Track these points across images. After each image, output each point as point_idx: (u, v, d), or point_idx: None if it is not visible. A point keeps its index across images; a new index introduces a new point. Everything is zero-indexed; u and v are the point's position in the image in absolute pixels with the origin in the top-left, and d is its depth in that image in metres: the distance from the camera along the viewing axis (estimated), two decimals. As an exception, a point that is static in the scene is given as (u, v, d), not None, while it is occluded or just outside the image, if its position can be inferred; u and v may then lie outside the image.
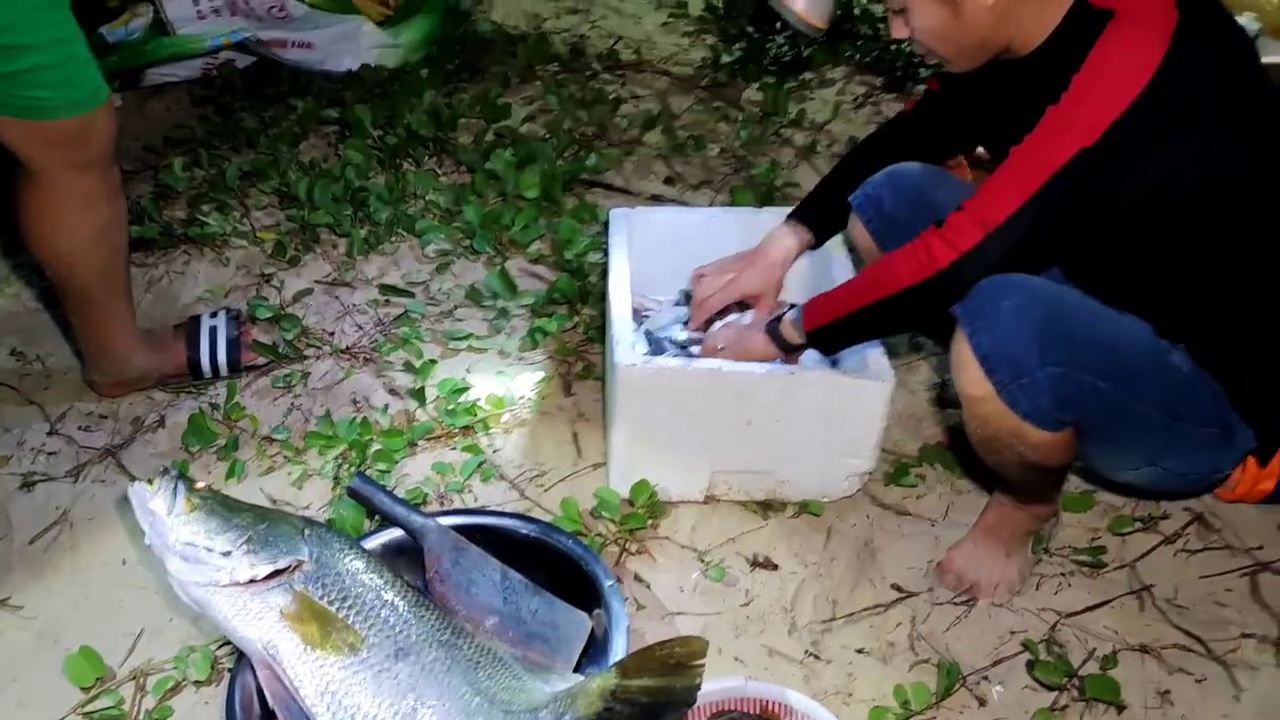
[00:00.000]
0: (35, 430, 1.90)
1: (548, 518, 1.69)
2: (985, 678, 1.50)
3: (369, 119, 2.88)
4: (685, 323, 1.95)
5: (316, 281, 2.30)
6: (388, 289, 2.25)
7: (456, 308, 2.23)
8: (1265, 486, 1.67)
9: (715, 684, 1.31)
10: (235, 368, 2.01)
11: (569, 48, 3.61)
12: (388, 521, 1.51)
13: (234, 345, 2.00)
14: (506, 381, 1.99)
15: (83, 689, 1.45)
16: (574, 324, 2.17)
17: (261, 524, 1.33)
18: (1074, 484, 1.82)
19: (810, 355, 1.74)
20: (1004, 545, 1.63)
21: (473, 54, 3.47)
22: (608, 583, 1.42)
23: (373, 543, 1.49)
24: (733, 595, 1.62)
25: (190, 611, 1.33)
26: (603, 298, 2.12)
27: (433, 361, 2.04)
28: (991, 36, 1.45)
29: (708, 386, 1.64)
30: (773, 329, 1.66)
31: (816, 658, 1.53)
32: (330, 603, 1.29)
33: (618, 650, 1.33)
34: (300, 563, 1.30)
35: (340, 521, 1.66)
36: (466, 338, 2.12)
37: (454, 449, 1.86)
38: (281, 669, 1.23)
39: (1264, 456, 1.62)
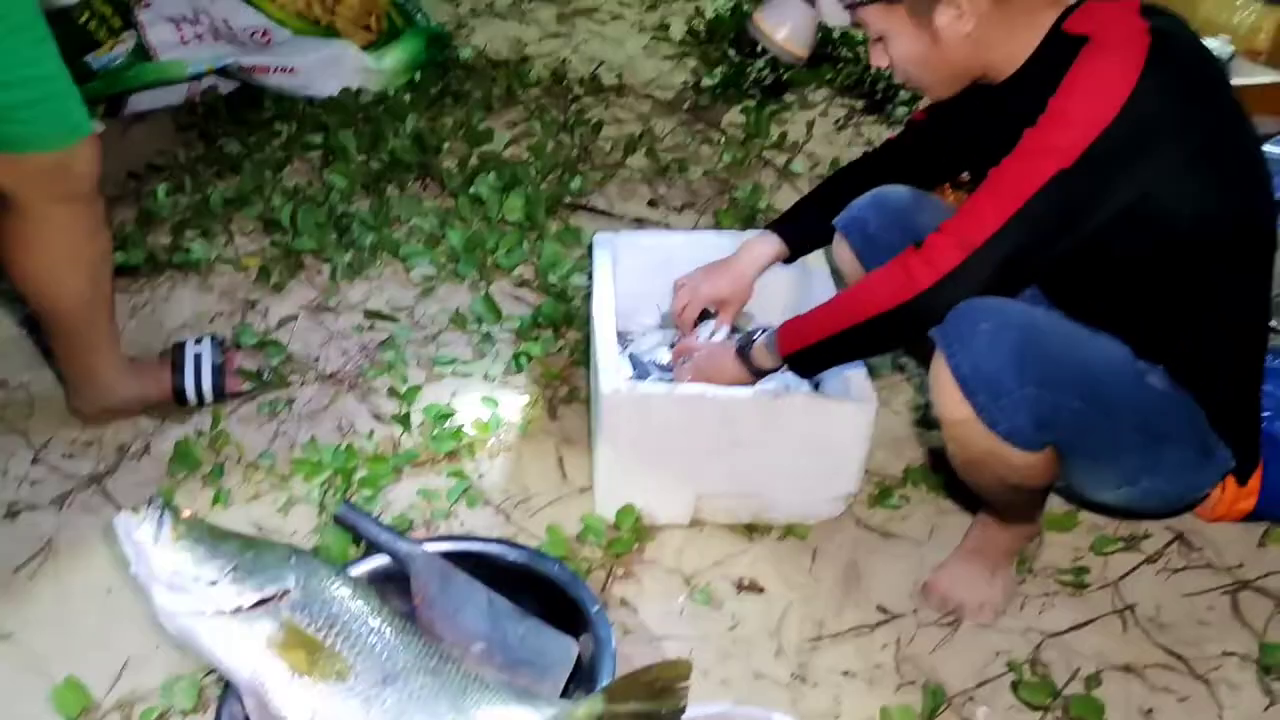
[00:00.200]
0: (19, 458, 1.89)
1: (534, 543, 1.69)
2: (971, 699, 1.51)
3: (353, 144, 2.89)
4: (670, 345, 1.96)
5: (301, 307, 2.30)
6: (372, 314, 2.26)
7: (441, 332, 2.24)
8: (1244, 506, 1.68)
9: (702, 708, 1.32)
10: (220, 394, 2.00)
11: (551, 72, 3.63)
12: (374, 548, 1.51)
13: (219, 372, 2.00)
14: (492, 406, 2.00)
15: (68, 719, 1.44)
16: (559, 348, 2.18)
17: (247, 552, 1.32)
18: (1057, 504, 1.83)
19: (784, 377, 1.76)
20: (988, 566, 1.64)
21: (456, 78, 3.48)
22: (594, 608, 1.42)
23: (359, 570, 1.49)
24: (719, 618, 1.62)
25: (176, 641, 1.31)
26: (587, 321, 2.13)
27: (417, 387, 2.04)
28: (969, 63, 1.48)
29: (692, 410, 1.65)
30: (744, 352, 1.65)
31: (803, 680, 1.53)
32: (317, 630, 1.29)
33: (604, 675, 1.33)
34: (286, 591, 1.30)
35: (326, 549, 1.66)
36: (451, 362, 2.12)
37: (439, 474, 1.86)
38: (269, 697, 1.23)
39: (1242, 476, 1.63)
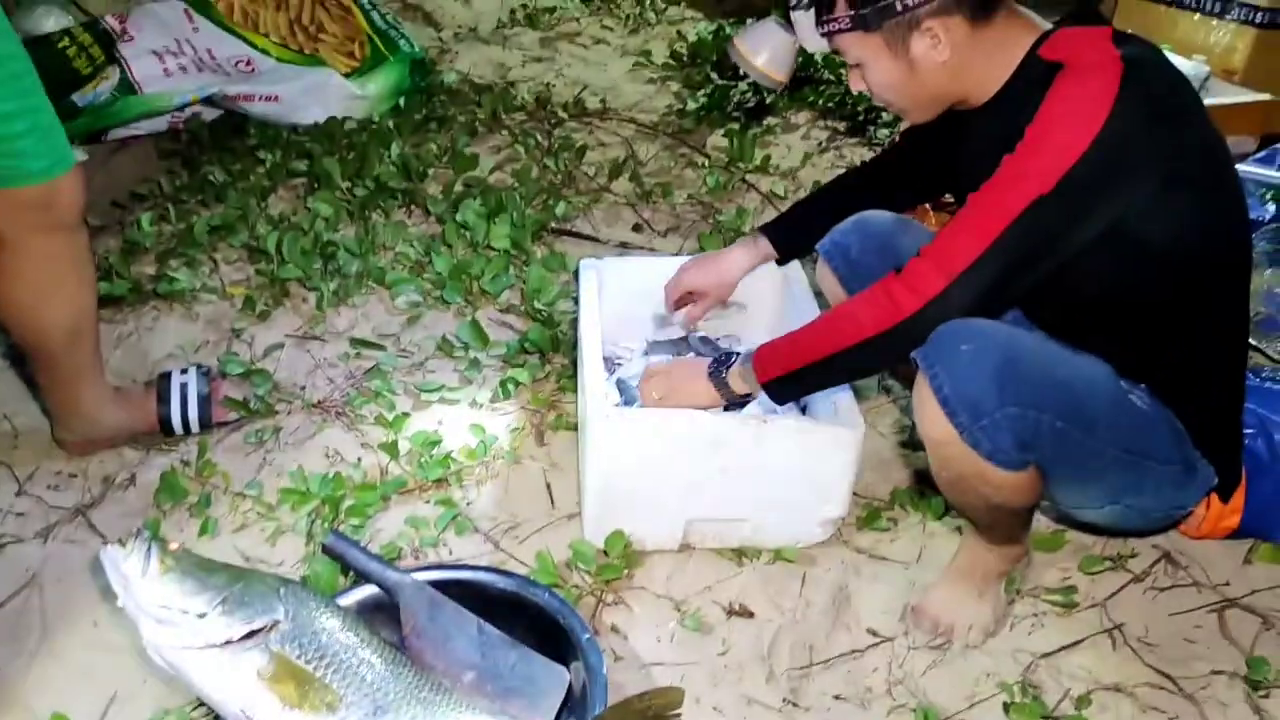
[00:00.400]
0: (3, 491, 1.88)
1: (523, 570, 1.69)
2: (962, 721, 1.52)
3: (337, 171, 2.89)
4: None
5: (287, 335, 2.30)
6: (358, 342, 2.26)
7: (428, 359, 2.23)
8: (1229, 523, 1.70)
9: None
10: (206, 424, 2.00)
11: (534, 97, 3.65)
12: (363, 578, 1.50)
13: (205, 401, 1.99)
14: (479, 433, 1.99)
15: (54, 756, 1.43)
16: (546, 374, 2.18)
17: (236, 584, 1.32)
18: (1044, 524, 1.84)
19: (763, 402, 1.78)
20: (976, 587, 1.65)
21: (439, 104, 3.50)
22: (585, 636, 1.42)
23: (348, 600, 1.48)
24: (710, 644, 1.62)
25: (165, 674, 1.31)
26: (574, 347, 2.13)
27: (405, 414, 2.04)
28: (945, 90, 1.51)
29: (681, 436, 1.66)
30: (718, 377, 1.64)
31: (795, 705, 1.53)
32: (307, 662, 1.29)
33: (596, 703, 1.33)
34: (276, 622, 1.30)
35: (315, 579, 1.65)
36: (438, 389, 2.12)
37: (428, 502, 1.85)
38: (259, 732, 1.23)
39: (1225, 493, 1.64)
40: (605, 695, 1.34)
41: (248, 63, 3.29)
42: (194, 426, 1.99)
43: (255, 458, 1.96)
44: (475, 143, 3.24)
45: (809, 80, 3.69)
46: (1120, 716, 1.52)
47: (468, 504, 1.86)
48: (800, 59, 1.89)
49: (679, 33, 4.51)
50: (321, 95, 3.25)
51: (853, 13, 1.46)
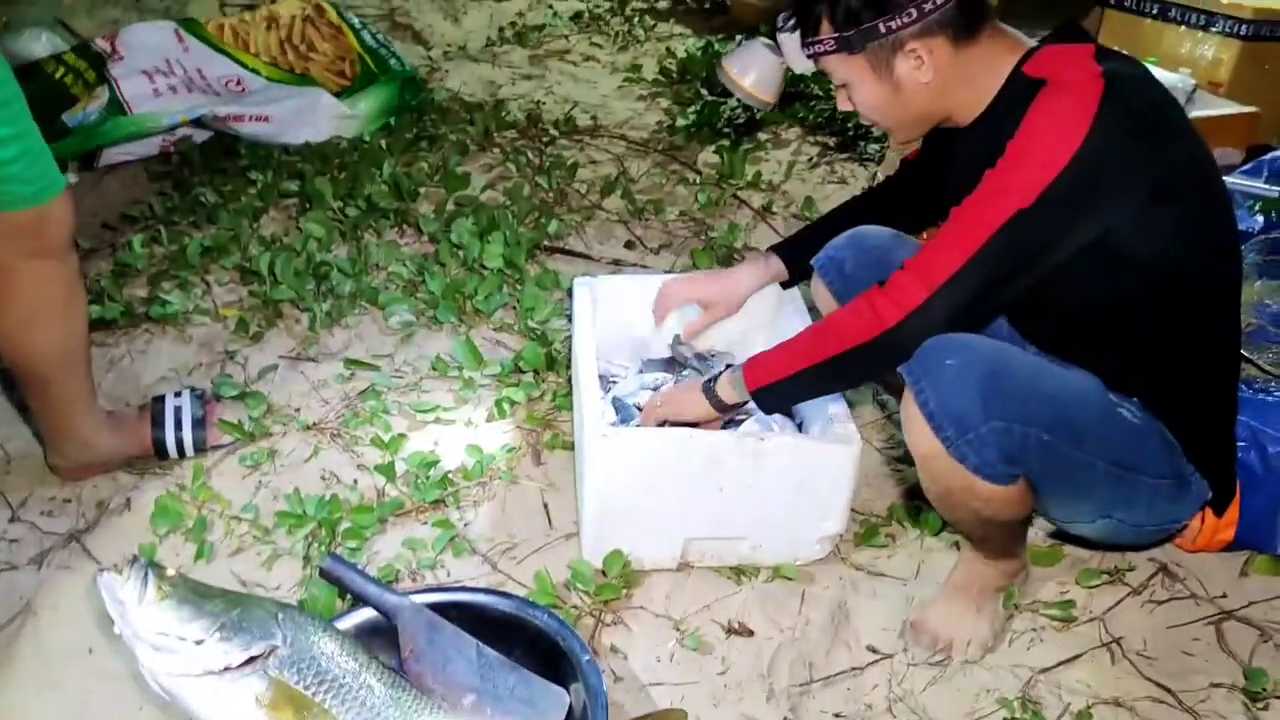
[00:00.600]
0: (-4, 517, 1.87)
1: (522, 591, 1.69)
2: (963, 738, 1.51)
3: (329, 191, 2.89)
4: (655, 389, 1.96)
5: (281, 357, 2.29)
6: (353, 363, 2.25)
7: (422, 379, 2.23)
8: (1224, 536, 1.70)
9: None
10: (201, 447, 1.99)
11: (525, 114, 3.66)
12: (361, 601, 1.49)
13: (199, 424, 1.99)
14: (475, 453, 1.99)
15: (51, 785, 1.42)
16: (541, 392, 2.18)
17: (234, 610, 1.31)
18: (1041, 537, 1.85)
19: (768, 418, 1.78)
20: (974, 602, 1.65)
21: (431, 122, 3.50)
22: (584, 657, 1.41)
23: (346, 623, 1.47)
24: (709, 663, 1.62)
25: (162, 701, 1.30)
26: (569, 365, 2.13)
27: (401, 435, 2.03)
28: (930, 109, 1.53)
29: (678, 454, 1.66)
30: (709, 389, 1.67)
31: (795, 724, 1.53)
32: (306, 687, 1.28)
33: (598, 726, 1.33)
34: (274, 648, 1.29)
35: (312, 602, 1.64)
36: (434, 409, 2.12)
37: (425, 524, 1.85)
38: (258, 759, 1.22)
39: (1219, 507, 1.65)
40: (606, 717, 1.33)
41: (238, 82, 3.30)
42: (188, 450, 1.98)
43: (251, 481, 1.95)
44: (467, 161, 3.25)
45: (799, 96, 3.71)
46: (1121, 731, 1.53)
47: (465, 525, 1.86)
48: (789, 75, 1.91)
49: (668, 49, 4.54)
50: (312, 115, 3.26)
51: (837, 35, 1.48)
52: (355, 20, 3.68)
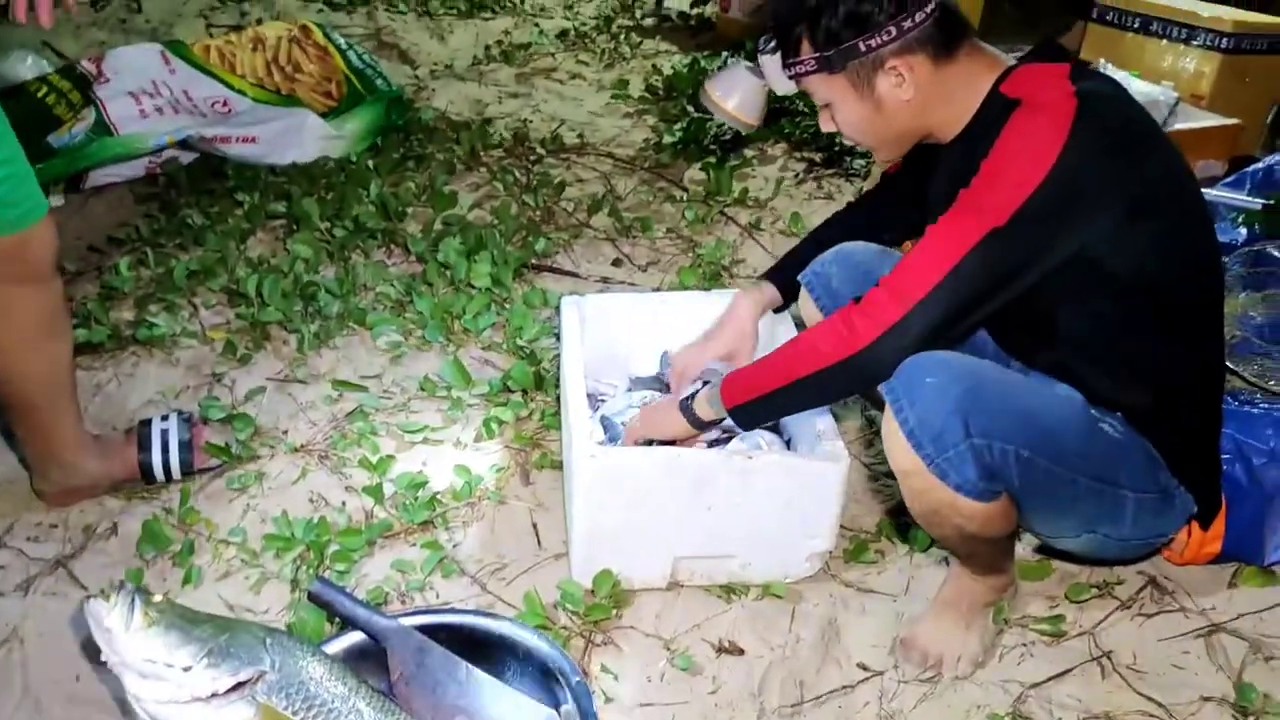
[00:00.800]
0: (-18, 543, 1.86)
1: (511, 612, 1.68)
2: (954, 754, 1.51)
3: (316, 212, 2.89)
4: (643, 406, 1.96)
5: (268, 379, 2.28)
6: (341, 384, 2.25)
7: (411, 399, 2.23)
8: (1211, 549, 1.71)
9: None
10: (188, 470, 1.98)
11: (512, 133, 3.67)
12: (349, 624, 1.49)
13: (186, 448, 1.98)
14: (464, 474, 1.98)
15: (38, 815, 1.41)
16: (529, 412, 2.17)
17: (222, 635, 1.31)
18: (1029, 552, 1.85)
19: (755, 436, 1.78)
20: (964, 618, 1.65)
21: (418, 142, 3.51)
22: (575, 678, 1.41)
23: (335, 647, 1.47)
24: (700, 683, 1.61)
25: (150, 729, 1.29)
26: (557, 384, 2.13)
27: (389, 457, 2.03)
28: (912, 127, 1.54)
29: (666, 474, 1.66)
30: (686, 407, 1.67)
31: (786, 742, 1.53)
32: (294, 712, 1.27)
33: (588, 747, 1.32)
34: (263, 673, 1.28)
35: (301, 626, 1.64)
36: (422, 430, 2.11)
37: (413, 545, 1.84)
38: (247, 786, 1.21)
39: (1205, 520, 1.66)
40: (597, 739, 1.33)
41: (224, 103, 3.30)
42: (175, 473, 1.97)
43: (238, 504, 1.95)
44: (454, 180, 3.25)
45: (784, 112, 3.72)
46: (1112, 746, 1.53)
47: (454, 546, 1.85)
48: (772, 97, 1.92)
49: (654, 66, 4.56)
50: (299, 136, 3.26)
51: (817, 55, 1.49)
52: (342, 41, 3.69)
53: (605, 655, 1.65)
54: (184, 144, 3.13)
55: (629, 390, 2.04)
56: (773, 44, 1.61)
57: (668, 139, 3.63)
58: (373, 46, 4.65)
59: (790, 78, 1.57)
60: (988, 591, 1.65)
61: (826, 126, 1.59)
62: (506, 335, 2.43)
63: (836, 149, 3.53)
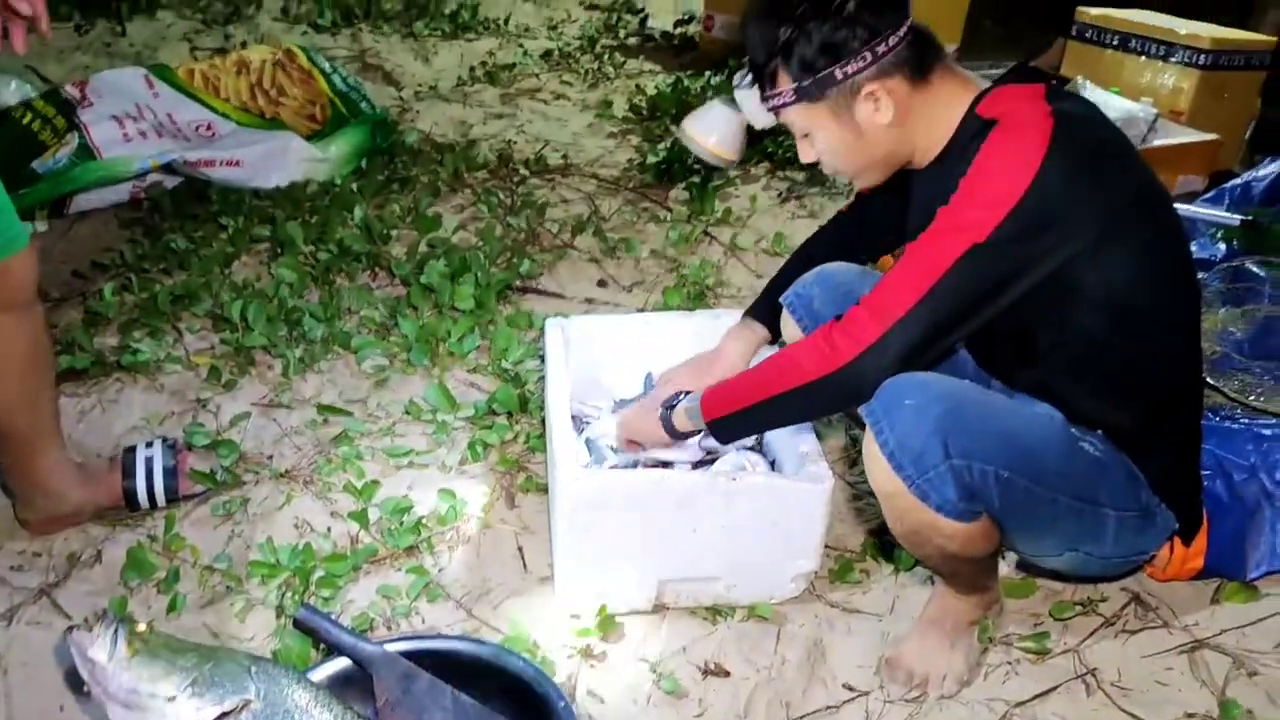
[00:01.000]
0: (-35, 573, 1.85)
1: (497, 636, 1.68)
2: (940, 774, 1.52)
3: (301, 236, 2.89)
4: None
5: (253, 404, 2.28)
6: (326, 408, 2.24)
7: (396, 423, 2.23)
8: (1194, 565, 1.72)
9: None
10: (173, 497, 1.98)
11: (496, 154, 3.68)
12: (335, 651, 1.49)
13: (171, 474, 1.97)
14: (449, 498, 1.98)
15: None
16: (514, 435, 2.18)
17: (206, 664, 1.31)
18: (1014, 570, 1.85)
19: (740, 457, 1.79)
20: (949, 636, 1.65)
21: (402, 164, 3.52)
22: (561, 703, 1.41)
23: (320, 674, 1.46)
24: (686, 706, 1.61)
25: (134, 760, 1.29)
26: (542, 406, 2.13)
27: (375, 481, 2.02)
28: (893, 151, 1.55)
29: (651, 496, 1.66)
30: (665, 416, 1.69)
31: (773, 764, 1.53)
32: (280, 742, 1.27)
33: (574, 773, 1.32)
34: (248, 701, 1.29)
35: (286, 653, 1.63)
36: (407, 453, 2.11)
37: (399, 570, 1.84)
38: (231, 817, 1.21)
39: (1187, 536, 1.67)
40: (583, 764, 1.33)
41: (208, 127, 3.30)
42: (160, 500, 1.97)
43: (223, 530, 1.94)
44: (438, 202, 3.26)
45: (766, 132, 3.74)
46: (1097, 763, 1.53)
47: (439, 571, 1.85)
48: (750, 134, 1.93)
49: (638, 86, 4.58)
50: (283, 159, 3.26)
51: (795, 85, 1.50)
52: (326, 64, 3.70)
53: (591, 679, 1.65)
54: (168, 168, 3.13)
55: (613, 411, 2.04)
56: (749, 78, 1.62)
57: (651, 159, 3.65)
58: (357, 68, 4.66)
59: (769, 110, 1.58)
60: (972, 609, 1.66)
61: (806, 156, 1.60)
62: (491, 358, 2.43)
63: (818, 167, 3.54)
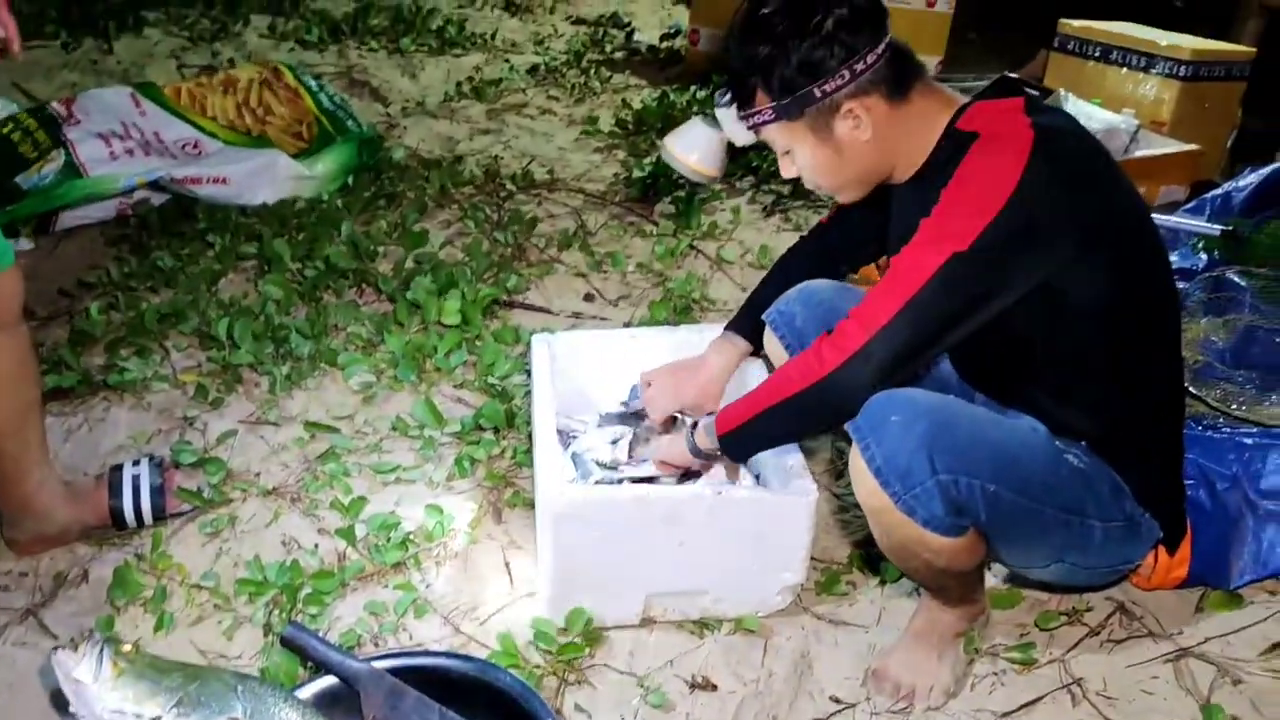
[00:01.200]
0: (-49, 594, 1.85)
1: (484, 652, 1.68)
2: (927, 786, 1.52)
3: (288, 253, 2.89)
4: (612, 442, 1.97)
5: (240, 422, 2.28)
6: (313, 425, 2.25)
7: (383, 439, 2.23)
8: (1178, 574, 1.73)
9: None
10: (160, 515, 1.97)
11: (483, 170, 3.68)
12: (322, 669, 1.49)
13: (158, 492, 1.97)
14: (436, 514, 1.98)
15: None
16: (501, 450, 2.18)
17: (192, 684, 1.31)
18: (999, 581, 1.86)
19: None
20: (935, 648, 1.66)
21: (389, 180, 3.52)
22: (548, 719, 1.41)
23: (307, 692, 1.46)
24: (674, 720, 1.62)
25: (120, 780, 1.29)
26: (529, 421, 2.14)
27: (362, 498, 2.02)
28: (873, 167, 1.57)
29: (637, 511, 1.67)
30: (689, 436, 1.71)
31: (760, 778, 1.53)
32: (266, 761, 1.27)
33: (561, 789, 1.32)
34: (234, 721, 1.29)
35: (273, 671, 1.63)
36: (394, 470, 2.12)
37: (386, 587, 1.84)
38: (218, 837, 1.21)
39: (1171, 545, 1.68)
40: (570, 779, 1.33)
41: (195, 145, 3.31)
42: (147, 519, 1.96)
43: (211, 548, 1.94)
44: (425, 218, 3.26)
45: (749, 147, 3.75)
46: (1083, 773, 1.54)
47: (427, 586, 1.85)
48: (731, 151, 1.95)
49: (624, 101, 4.60)
50: (270, 176, 3.27)
51: (774, 104, 1.51)
52: (313, 83, 3.71)
53: (578, 694, 1.65)
54: (155, 185, 3.13)
55: (599, 425, 2.05)
56: (729, 96, 1.63)
57: (637, 173, 3.66)
58: (344, 84, 4.66)
59: (749, 128, 1.59)
60: (958, 621, 1.66)
61: (787, 173, 1.62)
62: (478, 373, 2.44)
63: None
